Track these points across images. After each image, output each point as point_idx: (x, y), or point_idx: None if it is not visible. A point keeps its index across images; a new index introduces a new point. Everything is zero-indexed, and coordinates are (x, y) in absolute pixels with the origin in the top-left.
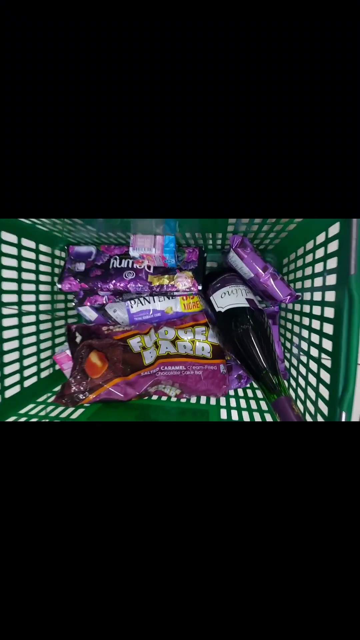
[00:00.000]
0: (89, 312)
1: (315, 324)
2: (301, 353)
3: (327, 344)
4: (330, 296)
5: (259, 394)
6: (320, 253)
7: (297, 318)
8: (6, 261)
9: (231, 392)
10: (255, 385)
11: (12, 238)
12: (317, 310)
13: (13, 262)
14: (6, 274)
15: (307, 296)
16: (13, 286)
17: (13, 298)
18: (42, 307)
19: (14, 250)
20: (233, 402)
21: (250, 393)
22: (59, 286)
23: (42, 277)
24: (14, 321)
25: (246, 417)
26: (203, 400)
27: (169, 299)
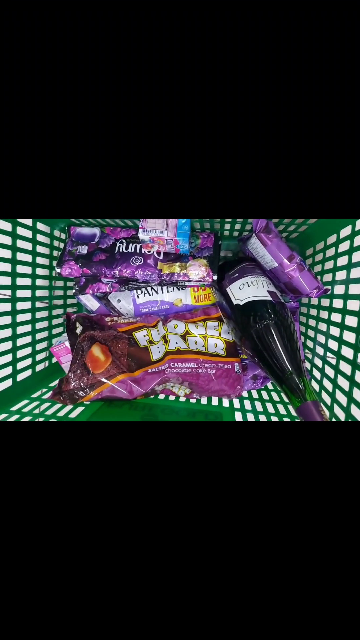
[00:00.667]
0: (90, 301)
1: (351, 321)
2: (329, 353)
3: None
4: None
5: (275, 396)
6: None
7: (323, 314)
8: None
9: (244, 394)
10: (270, 387)
11: None
12: (353, 305)
13: (7, 240)
14: None
15: (338, 290)
16: (6, 267)
17: (6, 281)
18: (38, 293)
19: (7, 227)
20: (248, 405)
21: (265, 395)
22: (58, 270)
23: (40, 260)
24: (6, 307)
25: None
26: (214, 401)
27: (178, 289)
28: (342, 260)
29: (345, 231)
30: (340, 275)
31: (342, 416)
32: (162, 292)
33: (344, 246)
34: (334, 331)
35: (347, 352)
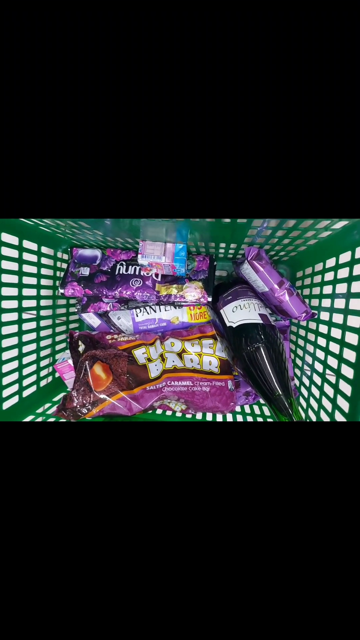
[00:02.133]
0: (91, 319)
1: (334, 347)
2: (315, 374)
3: (348, 371)
4: (355, 321)
5: (266, 411)
6: (343, 273)
7: (311, 336)
8: (6, 265)
9: (237, 409)
10: (262, 402)
11: (13, 240)
12: (336, 333)
13: (14, 266)
14: (6, 278)
15: (324, 316)
16: (13, 292)
17: (13, 304)
18: (43, 312)
19: (14, 253)
20: (240, 420)
21: (257, 410)
22: (62, 291)
23: (44, 282)
24: (13, 329)
25: None
26: (209, 417)
27: (175, 308)
28: (328, 289)
29: (330, 262)
30: (326, 302)
31: None
32: (160, 311)
33: (329, 276)
34: (320, 354)
35: (332, 378)
